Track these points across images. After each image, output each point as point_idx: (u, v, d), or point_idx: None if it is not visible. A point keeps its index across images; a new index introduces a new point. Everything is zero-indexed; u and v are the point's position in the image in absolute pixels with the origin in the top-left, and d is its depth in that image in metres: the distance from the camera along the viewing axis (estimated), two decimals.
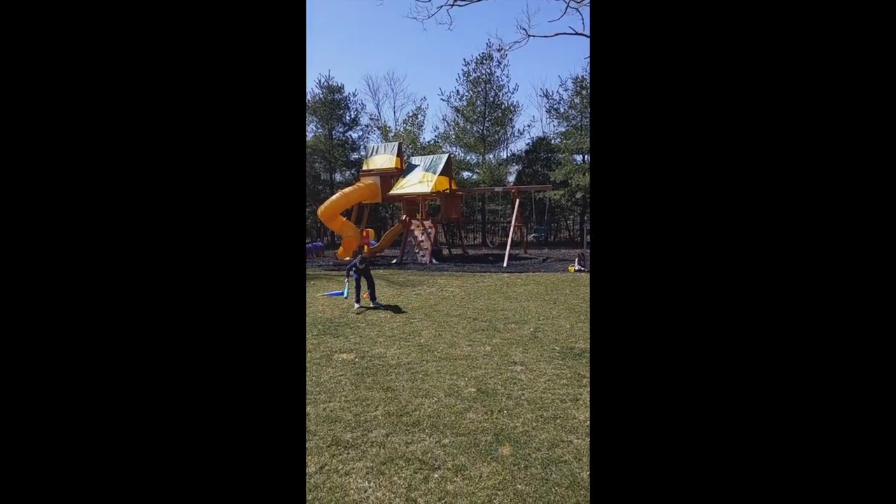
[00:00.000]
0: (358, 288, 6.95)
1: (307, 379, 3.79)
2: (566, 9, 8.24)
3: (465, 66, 26.54)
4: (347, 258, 13.84)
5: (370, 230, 16.96)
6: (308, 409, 3.17)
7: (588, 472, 2.31)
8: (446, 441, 2.67)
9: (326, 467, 2.40)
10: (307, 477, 2.31)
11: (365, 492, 2.18)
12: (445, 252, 16.52)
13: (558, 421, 2.92)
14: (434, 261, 13.57)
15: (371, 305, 6.84)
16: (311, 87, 24.56)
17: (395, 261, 13.90)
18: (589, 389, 3.43)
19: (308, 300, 7.77)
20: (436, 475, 2.31)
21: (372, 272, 7.24)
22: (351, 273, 7.11)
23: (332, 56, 45.88)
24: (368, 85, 50.21)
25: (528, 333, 5.15)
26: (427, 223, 14.19)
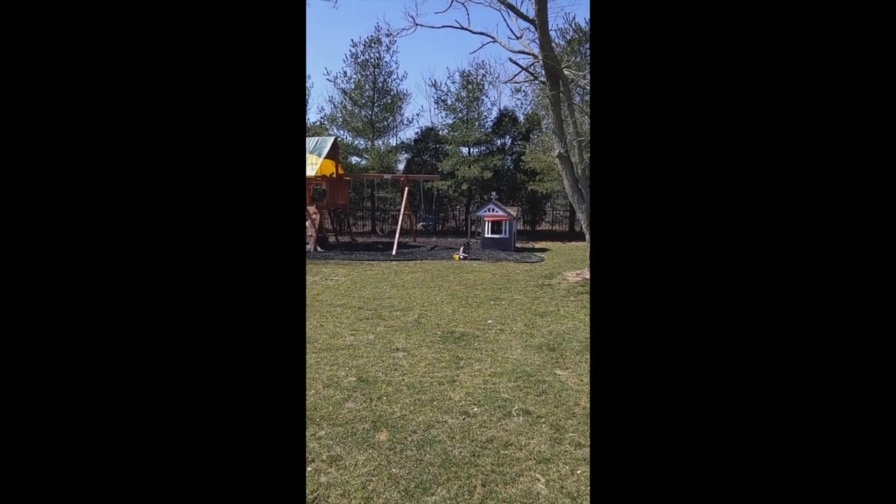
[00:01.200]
0: None
1: None
2: (451, 2, 8.39)
3: (353, 47, 25.65)
4: None
5: None
6: None
7: (459, 450, 2.46)
8: (322, 433, 2.61)
9: None
10: None
11: None
12: (332, 240, 15.97)
13: (435, 403, 3.04)
14: (319, 248, 13.04)
15: None
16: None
17: None
18: (465, 371, 3.64)
19: None
20: (309, 469, 2.25)
21: None
22: None
23: None
24: None
25: (413, 320, 5.26)
26: (311, 209, 13.54)
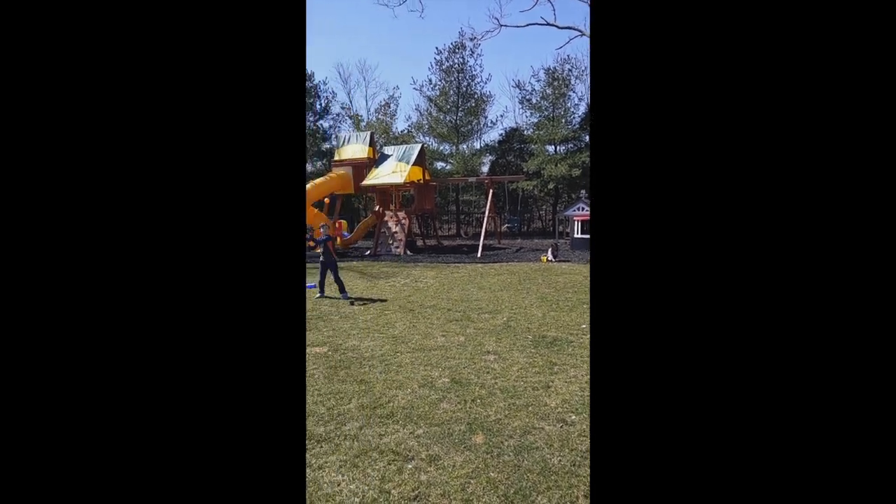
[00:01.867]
0: (323, 277, 6.91)
1: None
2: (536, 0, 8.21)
3: (438, 54, 26.30)
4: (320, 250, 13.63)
5: (343, 221, 16.72)
6: None
7: (559, 458, 2.37)
8: (420, 432, 2.68)
9: None
10: None
11: (338, 485, 2.17)
12: (419, 243, 16.47)
13: (530, 408, 2.97)
14: (408, 252, 13.52)
15: (340, 297, 6.77)
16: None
17: (368, 252, 13.77)
18: (560, 377, 3.51)
19: None
20: (409, 466, 2.32)
21: (343, 264, 7.17)
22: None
23: None
24: (339, 73, 49.08)
25: (502, 323, 5.21)
26: (401, 214, 14.09)
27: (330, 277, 6.97)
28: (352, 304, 6.49)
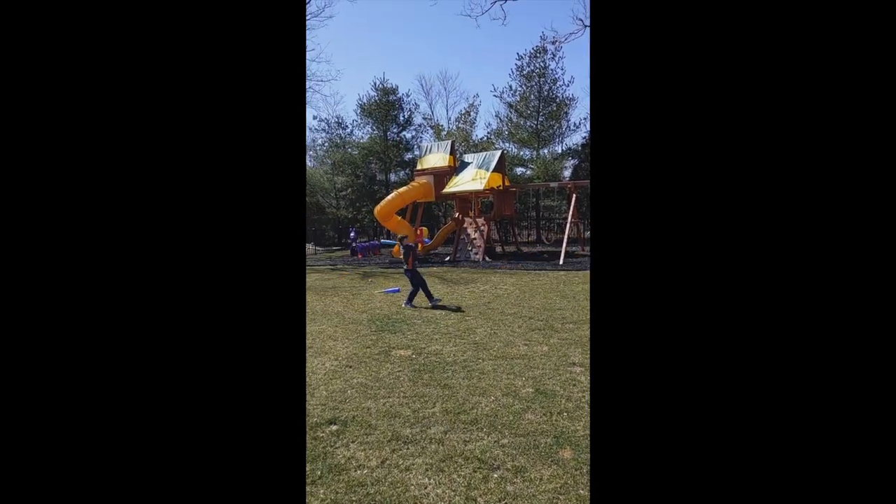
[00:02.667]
0: (415, 290, 7.00)
1: (367, 373, 3.91)
2: None
3: (519, 60, 26.12)
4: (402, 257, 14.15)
5: (424, 228, 17.19)
6: (369, 403, 3.27)
7: None
8: (505, 441, 2.65)
9: (387, 462, 2.46)
10: (369, 471, 2.38)
11: (425, 488, 2.21)
12: (499, 249, 16.39)
13: None
14: (487, 258, 13.51)
15: (429, 305, 6.85)
16: (367, 91, 25.23)
17: (448, 259, 13.99)
18: None
19: (367, 297, 8.01)
20: (495, 475, 2.30)
21: (423, 270, 7.28)
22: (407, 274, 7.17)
23: (387, 57, 46.91)
24: (421, 85, 50.90)
25: (587, 334, 4.99)
26: (480, 220, 14.15)
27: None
28: (437, 302, 6.67)
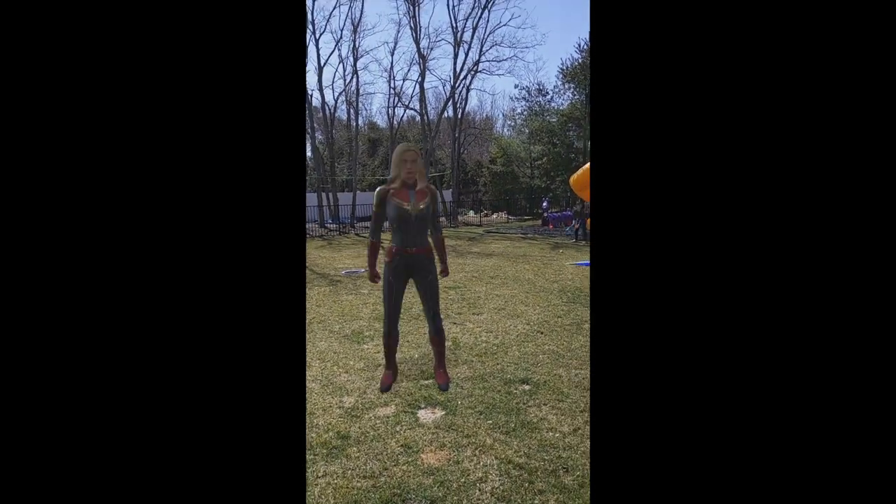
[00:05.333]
0: None
1: (558, 342, 3.92)
2: None
3: None
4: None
5: None
6: (560, 371, 3.28)
7: None
8: None
9: (580, 431, 2.43)
10: (561, 435, 2.40)
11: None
12: None
13: None
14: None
15: None
16: (571, 54, 24.10)
17: None
18: None
19: (557, 268, 7.96)
20: None
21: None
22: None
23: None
24: None
25: None
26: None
27: None
28: None
